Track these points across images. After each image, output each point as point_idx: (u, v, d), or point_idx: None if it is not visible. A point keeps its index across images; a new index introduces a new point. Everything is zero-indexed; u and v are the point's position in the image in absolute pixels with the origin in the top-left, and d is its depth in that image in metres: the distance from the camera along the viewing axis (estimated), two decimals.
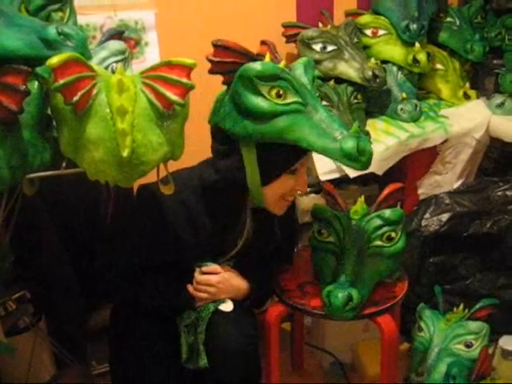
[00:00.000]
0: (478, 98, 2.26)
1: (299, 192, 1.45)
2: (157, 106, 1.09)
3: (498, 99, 2.11)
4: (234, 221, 1.47)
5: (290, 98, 1.25)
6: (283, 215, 1.50)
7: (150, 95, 1.09)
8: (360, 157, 1.22)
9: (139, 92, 1.09)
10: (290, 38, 2.08)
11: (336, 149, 1.22)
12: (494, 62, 2.27)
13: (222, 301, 1.46)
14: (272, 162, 1.33)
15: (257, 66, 1.24)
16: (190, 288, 1.46)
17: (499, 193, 2.04)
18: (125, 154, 1.06)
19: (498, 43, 2.25)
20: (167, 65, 1.09)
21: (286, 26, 2.08)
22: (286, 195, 1.41)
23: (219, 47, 1.27)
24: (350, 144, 1.21)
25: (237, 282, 1.50)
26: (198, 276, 1.46)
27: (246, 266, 1.52)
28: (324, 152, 1.25)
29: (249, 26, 2.07)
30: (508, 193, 2.03)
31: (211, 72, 1.30)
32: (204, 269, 1.47)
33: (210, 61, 1.29)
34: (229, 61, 1.28)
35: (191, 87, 1.09)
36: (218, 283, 1.45)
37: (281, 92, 1.24)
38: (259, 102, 1.24)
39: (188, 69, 1.08)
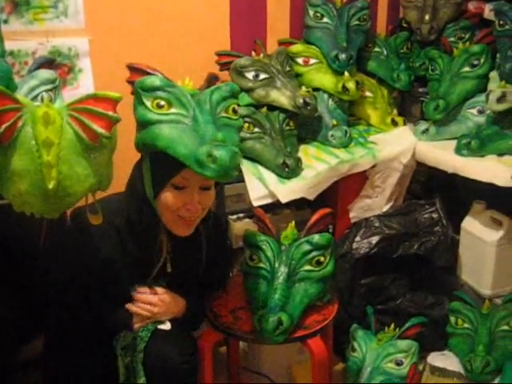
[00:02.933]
0: (405, 124, 2.35)
1: (195, 212, 1.41)
2: (83, 138, 1.11)
3: (422, 126, 2.20)
4: (151, 241, 1.46)
5: (171, 109, 1.30)
6: (213, 240, 1.53)
7: (76, 127, 1.11)
8: (210, 164, 1.22)
9: (65, 124, 1.11)
10: (223, 66, 2.12)
11: (192, 155, 1.24)
12: (420, 90, 2.38)
13: (161, 321, 1.50)
14: (157, 172, 1.35)
15: (143, 79, 1.31)
16: (131, 307, 1.48)
17: (426, 215, 2.12)
18: (50, 186, 1.07)
19: (422, 72, 2.35)
20: (93, 97, 1.11)
21: (219, 54, 2.12)
22: (180, 213, 1.39)
23: (133, 69, 1.36)
24: (202, 150, 1.23)
25: (174, 302, 1.52)
26: (139, 296, 1.48)
27: (179, 288, 1.53)
28: (184, 159, 1.26)
29: (183, 53, 2.11)
30: (434, 215, 2.12)
31: (132, 93, 1.35)
32: (142, 289, 1.49)
33: (129, 82, 1.36)
34: None
35: (117, 120, 1.11)
36: (159, 303, 1.48)
37: (162, 103, 1.29)
38: (140, 111, 1.31)
39: (114, 102, 1.11)
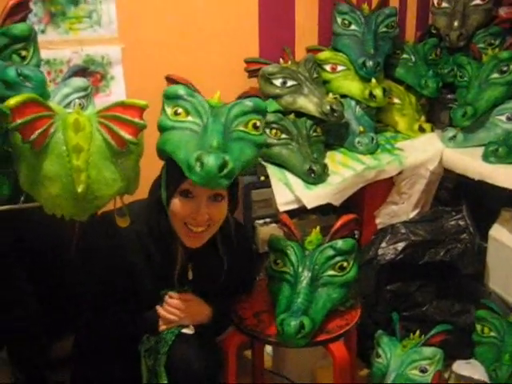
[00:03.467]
0: (432, 131, 2.35)
1: (202, 222, 1.40)
2: (111, 144, 1.15)
3: (450, 132, 2.20)
4: (170, 247, 1.48)
5: (187, 118, 1.34)
6: (236, 249, 1.55)
7: (105, 134, 1.16)
8: (197, 168, 1.23)
9: (95, 131, 1.15)
10: (252, 73, 2.16)
11: (185, 159, 1.27)
12: (448, 96, 2.38)
13: (185, 325, 1.52)
14: (169, 178, 1.38)
15: (170, 87, 1.38)
16: (160, 309, 1.50)
17: (452, 222, 2.12)
18: (80, 189, 1.12)
19: (450, 79, 2.35)
20: (121, 105, 1.16)
21: (248, 62, 2.16)
22: (188, 223, 1.40)
23: (170, 80, 1.41)
24: (193, 155, 1.25)
25: (201, 308, 1.54)
26: (169, 300, 1.50)
27: (203, 296, 1.56)
28: (179, 162, 1.29)
29: (213, 60, 2.15)
30: (460, 222, 2.11)
31: None
32: (173, 294, 1.51)
33: None
34: None
35: (143, 127, 1.16)
36: (186, 308, 1.50)
37: (179, 111, 1.34)
38: (161, 117, 1.37)
39: (140, 109, 1.15)
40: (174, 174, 1.35)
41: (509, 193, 1.96)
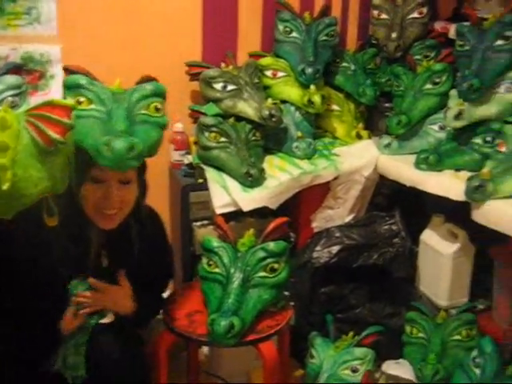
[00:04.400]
0: (369, 138, 2.42)
1: (114, 205, 1.45)
2: (39, 143, 1.15)
3: (385, 140, 2.27)
4: (83, 235, 1.50)
5: (90, 106, 1.38)
6: (148, 236, 1.57)
7: (32, 133, 1.15)
8: (106, 152, 1.29)
9: (22, 129, 1.15)
10: (193, 77, 2.18)
11: (93, 145, 1.31)
12: (386, 105, 2.45)
13: (103, 314, 1.53)
14: (79, 165, 1.38)
15: (67, 78, 1.41)
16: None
17: (385, 227, 2.19)
18: (4, 187, 1.11)
19: (388, 88, 2.42)
20: (50, 104, 1.16)
21: (189, 65, 2.18)
22: (100, 206, 1.44)
23: (68, 71, 1.44)
24: (102, 139, 1.30)
25: (118, 296, 1.54)
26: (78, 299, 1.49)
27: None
28: (88, 148, 1.33)
29: (154, 63, 2.13)
30: (393, 227, 2.18)
31: None
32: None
33: None
34: None
35: (71, 127, 1.16)
36: (103, 295, 1.50)
37: (81, 99, 1.38)
38: None
39: (69, 109, 1.16)
40: (82, 161, 1.37)
41: (440, 199, 2.03)
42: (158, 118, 1.43)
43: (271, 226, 1.70)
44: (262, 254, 1.63)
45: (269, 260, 1.63)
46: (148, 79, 1.47)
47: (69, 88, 1.39)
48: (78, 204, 1.45)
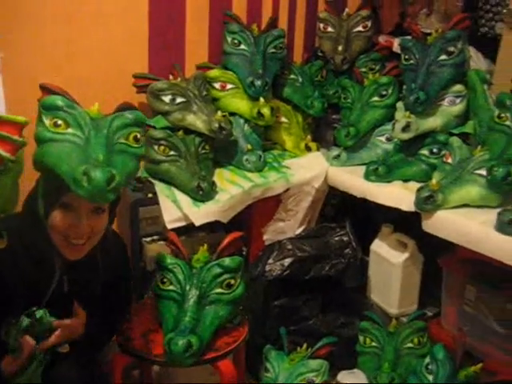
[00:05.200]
0: (318, 149, 2.43)
1: (83, 235, 1.38)
2: None
3: (334, 151, 2.29)
4: (46, 261, 1.43)
5: (67, 130, 1.30)
6: (111, 260, 1.52)
7: None
8: (84, 183, 1.21)
9: None
10: (140, 89, 2.13)
11: (70, 172, 1.23)
12: (333, 116, 2.48)
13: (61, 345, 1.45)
14: (49, 191, 1.34)
15: (45, 98, 1.31)
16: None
17: (336, 238, 2.20)
18: None
19: (335, 100, 2.46)
20: None
21: (136, 77, 2.13)
22: (68, 235, 1.37)
23: (44, 89, 1.33)
24: (79, 168, 1.22)
25: (72, 325, 1.47)
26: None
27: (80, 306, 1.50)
28: (63, 176, 1.25)
29: (99, 73, 2.10)
30: (344, 238, 2.20)
31: None
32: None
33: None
34: None
35: (22, 144, 1.11)
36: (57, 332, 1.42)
37: (59, 122, 1.29)
38: (38, 129, 1.30)
39: (20, 126, 1.10)
40: (53, 186, 1.31)
41: (389, 209, 2.06)
42: (136, 149, 1.35)
43: (225, 241, 1.67)
44: (217, 269, 1.61)
45: (225, 276, 1.60)
46: (127, 107, 1.40)
47: (46, 109, 1.30)
48: (44, 230, 1.37)
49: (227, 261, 1.62)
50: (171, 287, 1.60)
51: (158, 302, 1.64)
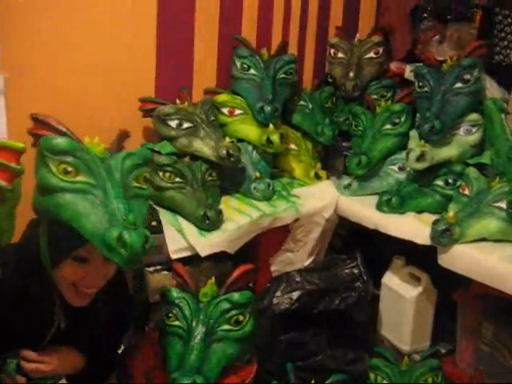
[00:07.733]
0: (328, 178, 2.37)
1: (96, 285, 1.32)
2: None
3: (345, 180, 2.22)
4: (45, 306, 1.36)
5: (79, 177, 1.18)
6: (116, 294, 1.46)
7: None
8: (120, 249, 1.11)
9: None
10: (146, 113, 2.07)
11: (99, 235, 1.13)
12: (343, 144, 2.41)
13: (57, 378, 1.39)
14: (57, 241, 1.24)
15: (51, 139, 1.18)
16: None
17: (347, 270, 2.12)
18: None
19: (346, 127, 2.39)
20: None
21: (143, 101, 2.07)
22: (79, 285, 1.29)
23: (37, 121, 1.22)
24: (112, 233, 1.11)
25: (70, 358, 1.41)
26: (27, 365, 1.34)
27: (76, 344, 1.43)
28: (90, 237, 1.15)
29: (105, 97, 2.03)
30: (355, 270, 2.12)
31: (33, 145, 1.22)
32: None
33: (31, 134, 1.22)
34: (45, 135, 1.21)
35: (20, 172, 1.03)
36: (54, 360, 1.37)
37: (69, 169, 1.17)
38: (44, 174, 1.17)
39: (18, 153, 1.03)
40: (64, 238, 1.21)
41: (401, 241, 1.99)
42: (146, 191, 1.26)
43: (235, 274, 1.59)
44: (226, 305, 1.51)
45: (233, 312, 1.51)
46: (125, 135, 1.31)
47: (50, 152, 1.17)
48: (47, 278, 1.29)
49: (236, 296, 1.53)
50: (177, 323, 1.51)
51: (162, 338, 1.55)
